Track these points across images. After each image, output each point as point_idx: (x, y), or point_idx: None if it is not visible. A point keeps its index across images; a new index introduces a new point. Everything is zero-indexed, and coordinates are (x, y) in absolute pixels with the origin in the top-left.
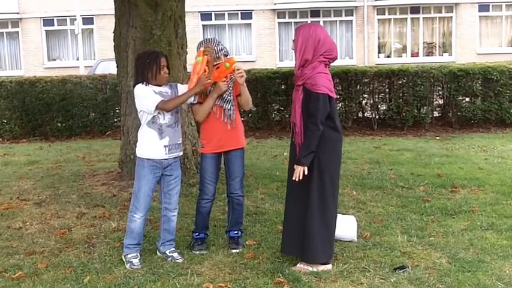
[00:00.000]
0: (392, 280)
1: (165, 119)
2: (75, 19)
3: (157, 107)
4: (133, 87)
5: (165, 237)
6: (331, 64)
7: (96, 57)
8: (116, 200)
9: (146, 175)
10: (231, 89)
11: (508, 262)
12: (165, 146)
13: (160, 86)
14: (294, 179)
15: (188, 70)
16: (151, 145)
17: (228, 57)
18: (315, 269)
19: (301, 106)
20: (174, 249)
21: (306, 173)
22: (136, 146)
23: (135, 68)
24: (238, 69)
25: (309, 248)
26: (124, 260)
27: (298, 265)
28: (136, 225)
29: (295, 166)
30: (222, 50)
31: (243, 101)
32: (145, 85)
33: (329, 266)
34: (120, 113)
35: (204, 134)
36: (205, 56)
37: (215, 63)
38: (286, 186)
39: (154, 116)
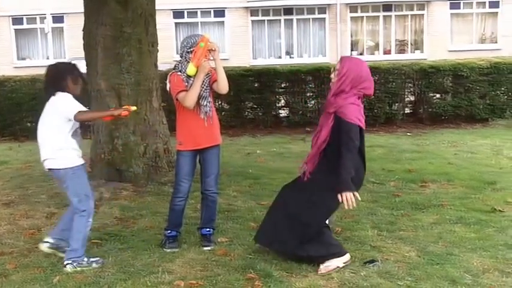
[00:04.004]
0: (362, 274)
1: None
2: (45, 18)
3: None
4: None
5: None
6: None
7: (66, 56)
8: None
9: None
10: (206, 84)
11: (476, 254)
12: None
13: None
14: (346, 208)
15: (159, 68)
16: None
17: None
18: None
19: (328, 133)
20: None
21: (358, 198)
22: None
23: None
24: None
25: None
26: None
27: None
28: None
29: (342, 194)
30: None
31: (219, 80)
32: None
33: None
34: None
35: (182, 131)
36: (208, 43)
37: (192, 49)
38: (289, 188)
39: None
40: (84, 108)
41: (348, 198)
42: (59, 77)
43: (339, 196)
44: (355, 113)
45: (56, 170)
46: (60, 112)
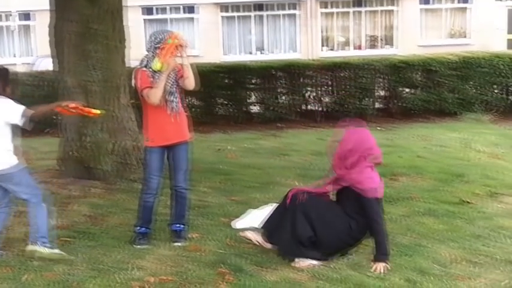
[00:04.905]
0: (332, 266)
1: None
2: (11, 15)
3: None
4: None
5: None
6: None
7: (34, 53)
8: (55, 198)
9: None
10: (173, 80)
11: (445, 245)
12: None
13: None
14: (377, 273)
15: (129, 65)
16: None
17: None
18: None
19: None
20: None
21: (388, 268)
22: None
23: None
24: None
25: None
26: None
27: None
28: None
29: (379, 264)
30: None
31: (186, 76)
32: None
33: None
34: None
35: (149, 127)
36: (176, 41)
37: (160, 46)
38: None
39: None
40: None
41: (382, 269)
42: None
43: (375, 264)
44: (373, 185)
45: (5, 170)
46: (5, 116)
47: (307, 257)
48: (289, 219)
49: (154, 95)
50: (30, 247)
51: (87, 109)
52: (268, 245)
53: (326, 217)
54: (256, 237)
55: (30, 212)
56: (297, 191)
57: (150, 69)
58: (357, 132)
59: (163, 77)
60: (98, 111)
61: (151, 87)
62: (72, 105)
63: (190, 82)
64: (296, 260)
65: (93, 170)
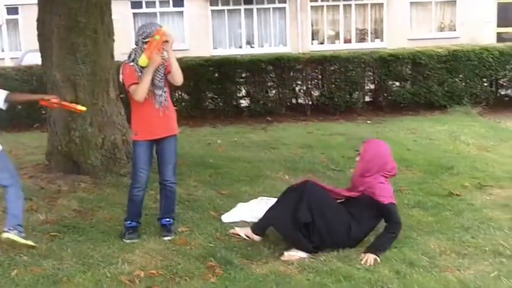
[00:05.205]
0: (322, 259)
1: None
2: None
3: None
4: None
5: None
6: None
7: (22, 48)
8: (44, 193)
9: None
10: (162, 75)
11: (433, 237)
12: None
13: None
14: (362, 263)
15: (116, 59)
16: None
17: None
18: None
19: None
20: None
21: (378, 261)
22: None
23: None
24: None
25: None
26: None
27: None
28: None
29: (370, 256)
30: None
31: (172, 72)
32: None
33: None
34: None
35: (137, 121)
36: (164, 37)
37: (147, 41)
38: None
39: None
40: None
41: (371, 261)
42: None
43: (366, 255)
44: (387, 192)
45: None
46: None
47: (299, 243)
48: (294, 199)
49: (140, 92)
50: (6, 235)
51: (72, 105)
52: (257, 237)
53: (327, 210)
54: (245, 231)
55: (10, 198)
56: (312, 180)
57: (138, 65)
58: (376, 144)
59: (148, 74)
60: (83, 108)
61: (137, 83)
62: (55, 100)
63: (177, 78)
64: (285, 253)
65: (82, 164)
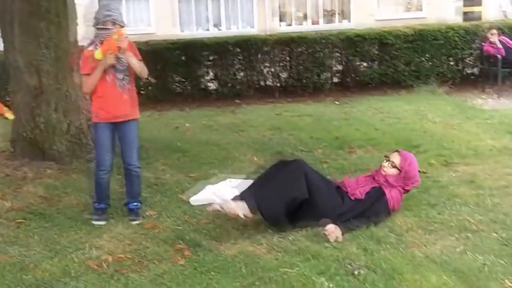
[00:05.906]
0: (290, 238)
1: None
2: None
3: None
4: None
5: None
6: None
7: None
8: (10, 180)
9: None
10: (124, 58)
11: (400, 214)
12: None
13: None
14: (325, 233)
15: (82, 43)
16: None
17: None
18: None
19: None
20: None
21: (340, 239)
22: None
23: None
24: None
25: None
26: None
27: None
28: None
29: (332, 228)
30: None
31: (135, 70)
32: None
33: None
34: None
35: (98, 102)
36: (120, 41)
37: (98, 27)
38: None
39: None
40: None
41: (333, 234)
42: None
43: (326, 225)
44: (396, 201)
45: None
46: None
47: (278, 225)
48: (288, 176)
49: (87, 86)
50: None
51: (5, 109)
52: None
53: (321, 183)
54: (243, 212)
55: None
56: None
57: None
58: (410, 158)
59: (99, 70)
60: (11, 117)
61: (89, 74)
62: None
63: (141, 75)
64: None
65: (48, 150)
